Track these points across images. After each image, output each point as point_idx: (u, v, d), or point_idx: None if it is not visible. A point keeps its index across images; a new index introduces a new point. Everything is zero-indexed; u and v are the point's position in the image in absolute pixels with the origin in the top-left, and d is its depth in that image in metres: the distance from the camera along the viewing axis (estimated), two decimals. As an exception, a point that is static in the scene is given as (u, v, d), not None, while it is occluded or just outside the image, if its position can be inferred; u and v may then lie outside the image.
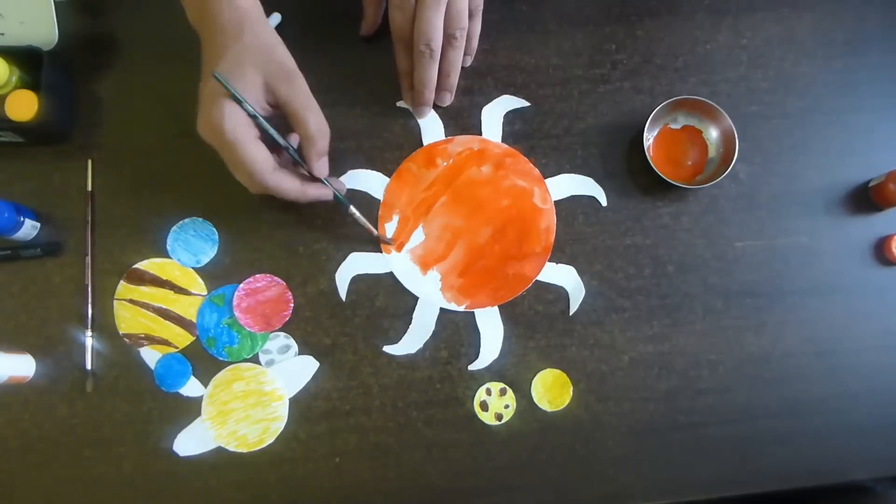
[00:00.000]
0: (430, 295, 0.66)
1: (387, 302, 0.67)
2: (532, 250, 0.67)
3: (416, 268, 0.67)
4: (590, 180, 0.69)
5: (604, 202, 0.69)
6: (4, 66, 0.62)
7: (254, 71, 0.56)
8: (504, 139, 0.69)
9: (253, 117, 0.56)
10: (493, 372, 0.66)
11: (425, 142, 0.69)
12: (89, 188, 0.68)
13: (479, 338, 0.66)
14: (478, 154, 0.69)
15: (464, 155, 0.69)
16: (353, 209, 0.64)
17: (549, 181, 0.69)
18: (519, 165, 0.68)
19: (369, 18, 0.67)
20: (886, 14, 0.73)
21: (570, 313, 0.67)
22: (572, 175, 0.69)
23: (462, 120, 0.70)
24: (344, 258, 0.67)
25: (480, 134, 0.69)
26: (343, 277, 0.67)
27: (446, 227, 0.68)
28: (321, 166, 0.60)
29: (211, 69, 0.56)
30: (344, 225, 0.68)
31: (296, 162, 0.61)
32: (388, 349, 0.66)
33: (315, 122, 0.58)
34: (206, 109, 0.56)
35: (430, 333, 0.66)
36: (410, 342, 0.66)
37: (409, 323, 0.66)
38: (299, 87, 0.57)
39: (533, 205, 0.67)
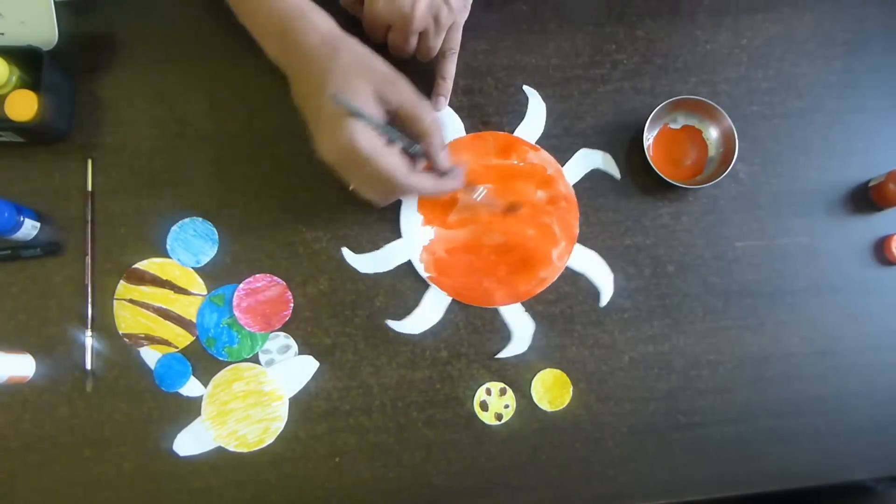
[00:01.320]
0: (411, 242, 0.67)
1: (387, 302, 0.67)
2: (516, 286, 0.67)
3: (419, 216, 0.67)
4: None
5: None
6: (4, 66, 0.62)
7: (362, 83, 0.57)
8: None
9: (378, 128, 0.57)
10: (494, 372, 0.66)
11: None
12: (89, 188, 0.68)
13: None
14: (546, 178, 0.69)
15: (536, 169, 0.69)
16: (481, 190, 0.65)
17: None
18: (567, 214, 0.68)
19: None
20: (886, 14, 0.73)
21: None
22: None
23: (470, 119, 0.70)
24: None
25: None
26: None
27: (471, 206, 0.68)
28: (445, 157, 0.61)
29: (317, 93, 0.57)
30: (344, 225, 0.68)
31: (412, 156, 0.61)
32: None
33: (430, 116, 0.59)
34: (331, 132, 0.57)
35: (436, 322, 0.66)
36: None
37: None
38: (406, 88, 0.58)
39: (549, 254, 0.67)
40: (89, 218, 0.67)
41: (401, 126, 0.59)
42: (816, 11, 0.72)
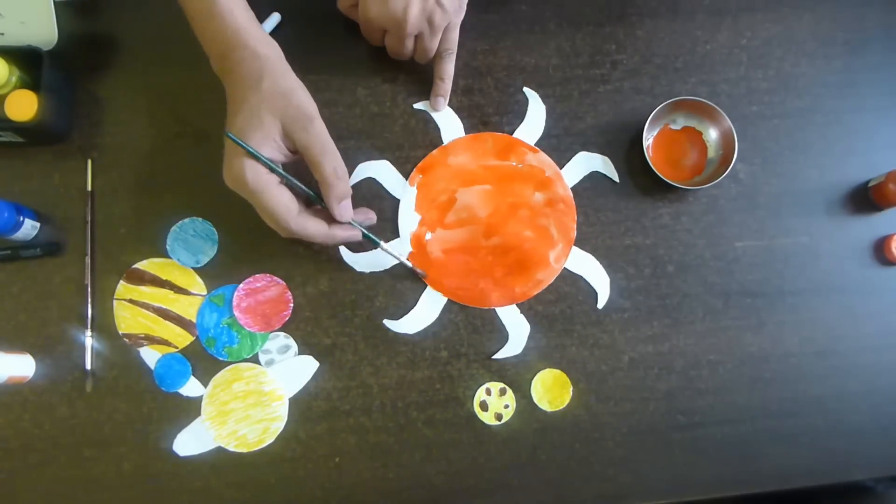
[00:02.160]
0: (402, 230, 0.67)
1: (386, 302, 0.67)
2: (512, 287, 0.67)
3: (416, 216, 0.68)
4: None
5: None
6: (4, 66, 0.62)
7: (271, 118, 0.56)
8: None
9: (271, 168, 0.57)
10: (493, 372, 0.66)
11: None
12: (89, 188, 0.68)
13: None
14: (545, 181, 0.69)
15: (535, 171, 0.69)
16: (384, 245, 0.64)
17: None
18: (565, 217, 0.68)
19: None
20: (886, 14, 0.73)
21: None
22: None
23: (469, 119, 0.70)
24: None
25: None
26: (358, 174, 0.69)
27: (468, 206, 0.68)
28: (342, 210, 0.60)
29: (233, 119, 0.57)
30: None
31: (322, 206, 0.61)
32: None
33: (330, 167, 0.58)
34: (229, 161, 0.57)
35: (432, 322, 0.66)
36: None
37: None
38: (315, 132, 0.57)
39: (546, 256, 0.67)
40: (89, 218, 0.67)
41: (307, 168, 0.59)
42: (816, 11, 0.72)
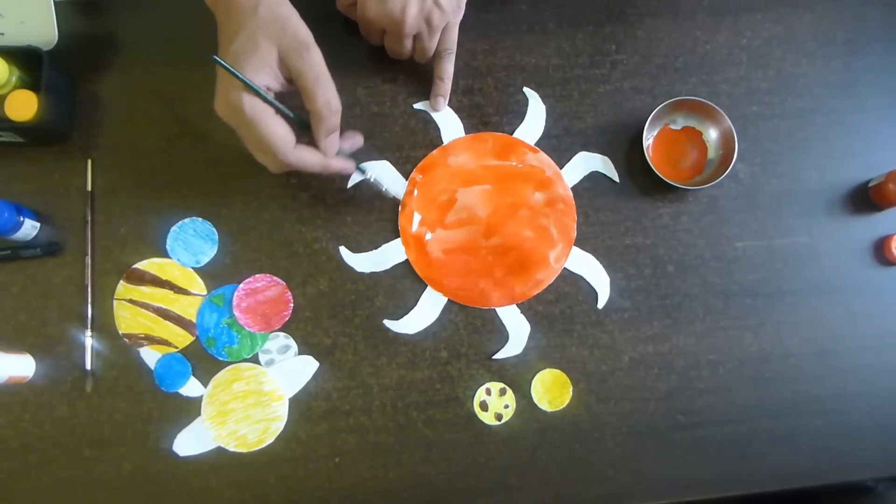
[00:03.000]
0: (407, 233, 0.67)
1: (386, 302, 0.67)
2: (512, 287, 0.67)
3: (417, 216, 0.67)
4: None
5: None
6: (4, 66, 0.62)
7: (268, 44, 0.55)
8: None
9: (265, 98, 0.56)
10: (493, 372, 0.66)
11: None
12: (89, 188, 0.67)
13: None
14: (545, 180, 0.69)
15: (535, 171, 0.69)
16: (372, 177, 0.64)
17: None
18: (565, 217, 0.68)
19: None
20: (886, 14, 0.73)
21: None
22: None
23: (469, 119, 0.70)
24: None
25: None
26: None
27: (468, 206, 0.68)
28: (329, 144, 0.59)
29: (227, 46, 0.56)
30: (344, 225, 0.68)
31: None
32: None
33: (322, 98, 0.56)
34: (224, 89, 0.56)
35: (432, 322, 0.66)
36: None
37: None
38: (311, 60, 0.56)
39: (546, 256, 0.67)
40: (89, 218, 0.67)
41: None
42: (816, 11, 0.72)
